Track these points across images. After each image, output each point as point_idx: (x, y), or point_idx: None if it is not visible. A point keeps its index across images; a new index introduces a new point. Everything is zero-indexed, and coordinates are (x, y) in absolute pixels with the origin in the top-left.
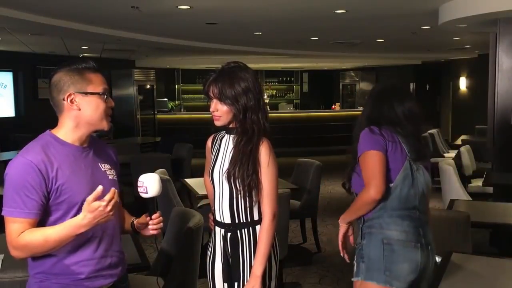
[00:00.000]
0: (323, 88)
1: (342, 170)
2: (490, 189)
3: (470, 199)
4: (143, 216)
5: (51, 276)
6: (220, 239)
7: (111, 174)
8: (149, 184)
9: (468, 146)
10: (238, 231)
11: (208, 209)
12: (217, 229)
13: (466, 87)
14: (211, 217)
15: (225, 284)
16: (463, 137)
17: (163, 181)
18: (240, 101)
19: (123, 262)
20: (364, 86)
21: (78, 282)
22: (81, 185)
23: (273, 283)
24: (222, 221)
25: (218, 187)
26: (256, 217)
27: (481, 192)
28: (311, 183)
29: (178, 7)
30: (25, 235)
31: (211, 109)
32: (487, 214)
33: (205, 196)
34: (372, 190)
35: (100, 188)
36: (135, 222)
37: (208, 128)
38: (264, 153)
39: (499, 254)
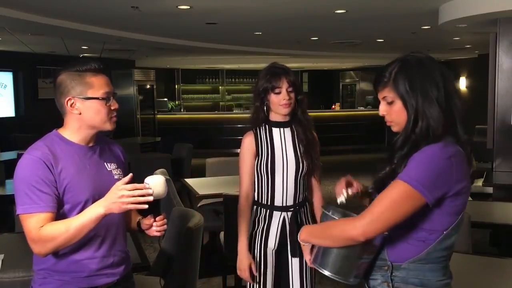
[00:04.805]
0: (323, 88)
1: (342, 170)
2: (490, 189)
3: (470, 199)
4: (149, 216)
5: (53, 273)
6: (279, 223)
7: (117, 173)
8: (154, 186)
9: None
10: (300, 210)
11: (208, 209)
12: (276, 214)
13: (466, 87)
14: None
15: (293, 261)
16: None
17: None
18: (303, 91)
19: (126, 261)
20: (364, 86)
21: (79, 280)
22: (85, 185)
23: None
24: (285, 205)
25: (281, 175)
26: (306, 195)
27: (481, 192)
28: None
29: (178, 7)
30: (46, 228)
31: (285, 98)
32: (487, 214)
33: (205, 196)
34: None
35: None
36: (141, 221)
37: (208, 128)
38: (318, 143)
39: (499, 254)
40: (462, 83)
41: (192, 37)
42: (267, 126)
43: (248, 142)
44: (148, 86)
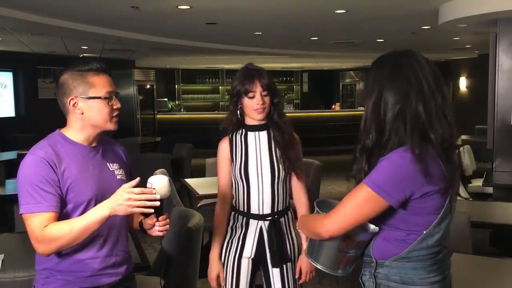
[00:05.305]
0: (323, 88)
1: (342, 170)
2: (490, 189)
3: (470, 199)
4: (151, 216)
5: (55, 273)
6: (256, 232)
7: (119, 174)
8: (158, 186)
9: (468, 146)
10: (279, 220)
11: (208, 209)
12: (252, 222)
13: (466, 87)
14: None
15: (274, 270)
16: (463, 137)
17: None
18: (280, 93)
19: (128, 261)
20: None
21: (82, 279)
22: (88, 185)
23: None
24: (261, 213)
25: (256, 181)
26: (287, 204)
27: (481, 192)
28: (311, 183)
29: (178, 7)
30: (50, 227)
31: (259, 102)
32: (487, 214)
33: (205, 196)
34: None
35: (138, 178)
36: (143, 221)
37: (208, 128)
38: (299, 143)
39: (499, 254)
40: (462, 83)
41: (192, 37)
42: (243, 130)
43: (223, 147)
44: (148, 86)
